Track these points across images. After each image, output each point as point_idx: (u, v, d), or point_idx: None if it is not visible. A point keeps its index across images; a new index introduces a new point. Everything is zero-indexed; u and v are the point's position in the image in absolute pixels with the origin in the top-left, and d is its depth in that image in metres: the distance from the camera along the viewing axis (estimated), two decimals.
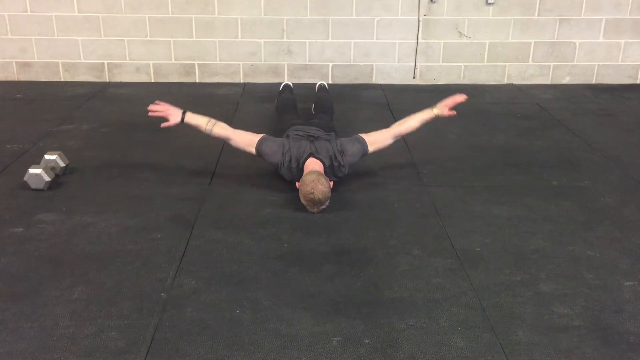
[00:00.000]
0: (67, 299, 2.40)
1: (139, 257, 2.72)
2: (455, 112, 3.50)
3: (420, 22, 5.51)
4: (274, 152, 3.32)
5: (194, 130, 3.40)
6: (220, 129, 3.36)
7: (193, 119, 3.35)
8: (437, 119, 3.51)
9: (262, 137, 3.37)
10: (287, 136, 3.42)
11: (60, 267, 2.63)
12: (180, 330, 2.24)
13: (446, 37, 5.58)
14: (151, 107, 3.35)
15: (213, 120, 3.37)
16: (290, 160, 3.28)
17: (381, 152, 3.50)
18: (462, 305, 2.41)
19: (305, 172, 3.21)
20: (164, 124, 3.33)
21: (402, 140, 4.21)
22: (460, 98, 3.43)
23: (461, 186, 3.50)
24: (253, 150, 3.36)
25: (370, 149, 3.40)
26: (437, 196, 3.35)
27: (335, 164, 3.30)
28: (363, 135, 3.42)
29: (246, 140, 3.38)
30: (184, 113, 3.34)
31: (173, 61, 5.59)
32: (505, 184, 3.56)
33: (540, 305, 2.41)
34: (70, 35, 5.48)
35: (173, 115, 3.32)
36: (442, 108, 3.47)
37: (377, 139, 3.43)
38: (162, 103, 3.36)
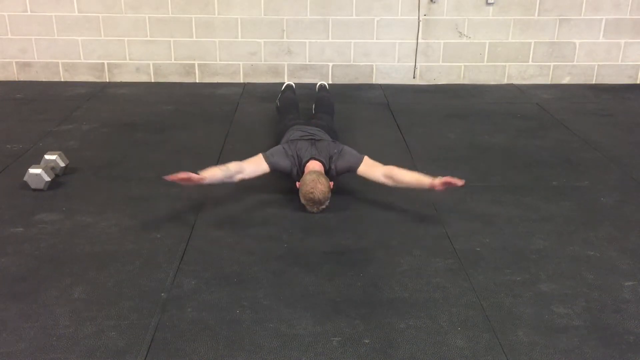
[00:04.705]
0: (67, 299, 2.40)
1: (139, 257, 2.72)
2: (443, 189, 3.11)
3: (420, 22, 5.51)
4: (282, 158, 3.29)
5: (216, 183, 3.14)
6: (234, 165, 3.20)
7: (208, 171, 3.12)
8: (427, 187, 3.10)
9: (265, 153, 3.31)
10: (286, 141, 3.42)
11: (60, 267, 2.63)
12: (180, 330, 2.24)
13: (446, 37, 5.58)
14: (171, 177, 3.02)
15: (224, 165, 3.21)
16: (296, 159, 3.27)
17: (381, 152, 3.49)
18: (462, 305, 2.41)
19: (305, 172, 3.21)
20: (185, 183, 3.04)
21: (402, 140, 4.22)
22: (460, 183, 3.10)
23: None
24: (267, 166, 3.26)
25: (361, 168, 3.26)
26: (437, 196, 3.35)
27: (332, 165, 3.29)
28: (365, 156, 3.30)
29: (254, 162, 3.27)
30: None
31: (173, 61, 5.59)
32: (505, 184, 3.56)
33: (540, 305, 2.41)
34: (70, 35, 5.48)
35: (192, 176, 3.02)
36: (439, 183, 3.07)
37: (371, 165, 3.28)
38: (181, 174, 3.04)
